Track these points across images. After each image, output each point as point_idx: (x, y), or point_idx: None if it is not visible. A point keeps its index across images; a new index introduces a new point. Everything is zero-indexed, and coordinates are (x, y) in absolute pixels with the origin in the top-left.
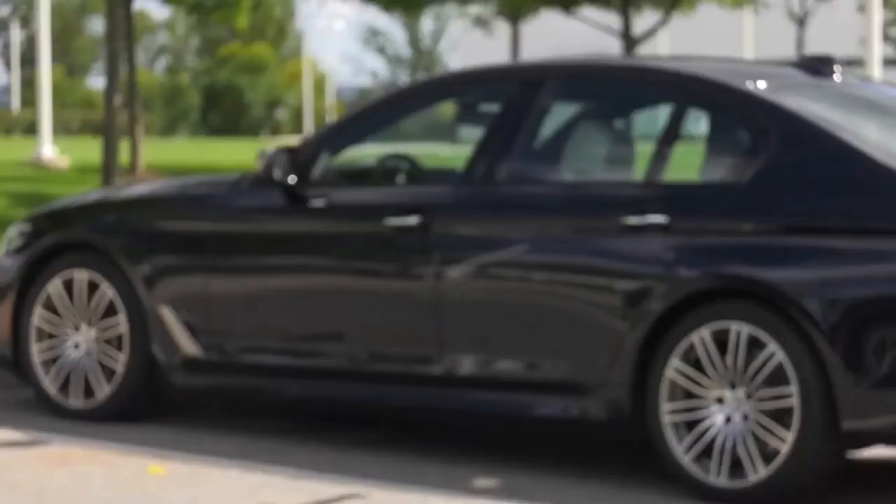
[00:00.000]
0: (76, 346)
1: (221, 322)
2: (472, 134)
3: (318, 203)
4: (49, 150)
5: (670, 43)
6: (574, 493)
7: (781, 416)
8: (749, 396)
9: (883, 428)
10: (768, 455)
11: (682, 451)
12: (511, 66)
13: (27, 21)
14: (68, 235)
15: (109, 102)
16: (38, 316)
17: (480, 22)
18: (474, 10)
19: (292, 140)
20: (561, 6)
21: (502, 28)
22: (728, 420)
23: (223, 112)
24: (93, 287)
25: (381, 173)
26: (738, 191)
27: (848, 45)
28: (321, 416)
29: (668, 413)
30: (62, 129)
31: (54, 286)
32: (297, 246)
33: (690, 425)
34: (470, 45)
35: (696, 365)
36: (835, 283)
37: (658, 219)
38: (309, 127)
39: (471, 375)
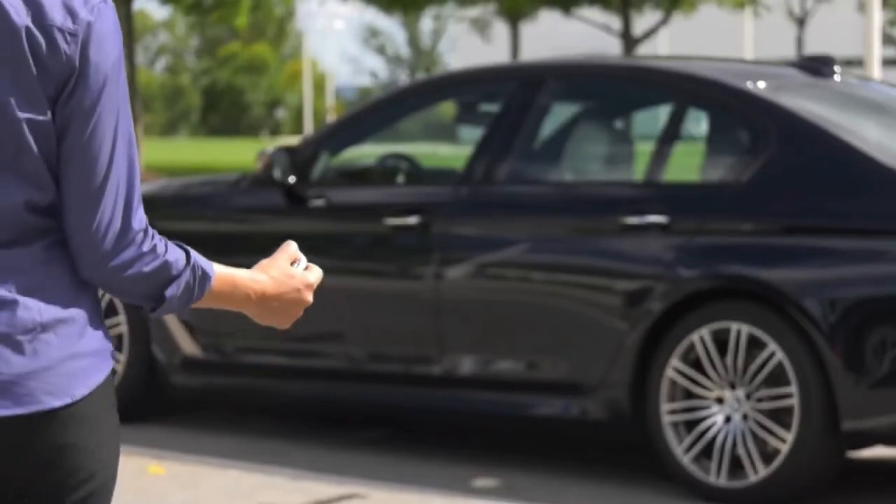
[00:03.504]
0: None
1: (221, 322)
2: (472, 134)
3: (317, 203)
4: None
5: (670, 43)
6: (574, 493)
7: (781, 416)
8: (749, 396)
9: (883, 428)
10: (768, 455)
11: (682, 451)
12: (511, 66)
13: None
14: None
15: None
16: None
17: (477, 24)
18: (473, 12)
19: (292, 140)
20: (560, 7)
21: (501, 29)
22: (728, 420)
23: (223, 112)
24: None
25: (381, 173)
26: (738, 191)
27: (848, 45)
28: (321, 416)
29: (668, 413)
30: None
31: None
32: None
33: (690, 425)
34: (469, 46)
35: (696, 365)
36: (835, 283)
37: (658, 219)
38: (309, 127)
39: (471, 375)
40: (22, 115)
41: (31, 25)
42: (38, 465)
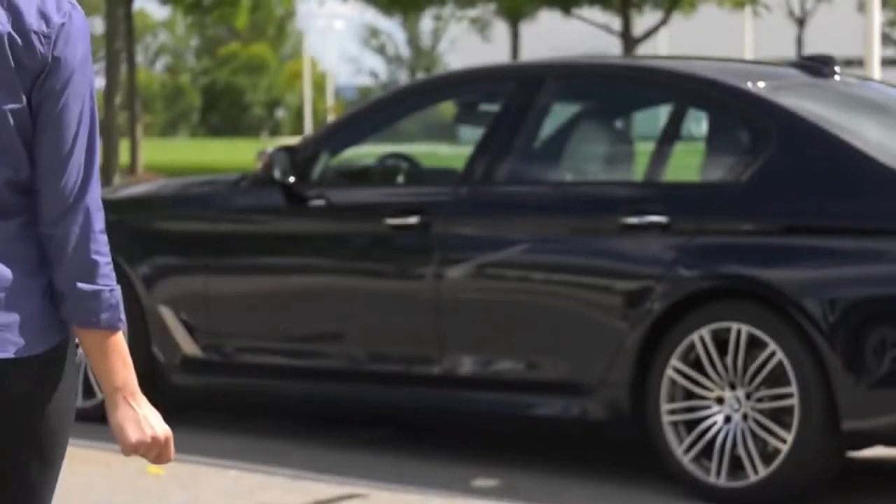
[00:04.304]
0: (76, 346)
1: (221, 322)
2: (472, 134)
3: (317, 203)
4: None
5: (670, 43)
6: (574, 493)
7: (781, 416)
8: (749, 396)
9: (883, 428)
10: (768, 455)
11: (682, 451)
12: (511, 66)
13: None
14: None
15: (109, 102)
16: None
17: (477, 24)
18: (473, 12)
19: (292, 140)
20: (560, 7)
21: (501, 29)
22: (728, 420)
23: (223, 112)
24: None
25: (381, 173)
26: (738, 191)
27: (848, 45)
28: (321, 416)
29: (668, 413)
30: None
31: None
32: (297, 246)
33: (690, 425)
34: (469, 46)
35: (696, 365)
36: (835, 283)
37: (658, 219)
38: (309, 127)
39: (471, 375)
40: (4, 106)
41: (12, 31)
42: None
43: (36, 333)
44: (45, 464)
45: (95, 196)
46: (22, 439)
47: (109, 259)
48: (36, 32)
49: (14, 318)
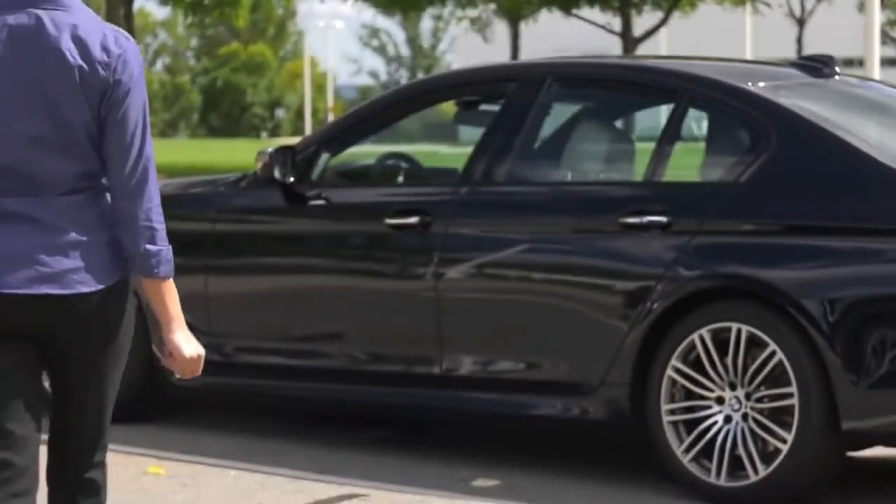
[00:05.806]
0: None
1: (221, 322)
2: (472, 134)
3: (317, 203)
4: None
5: (670, 43)
6: (574, 493)
7: (781, 416)
8: (749, 396)
9: (883, 428)
10: (768, 455)
11: (682, 451)
12: (511, 65)
13: None
14: None
15: None
16: None
17: (476, 23)
18: (473, 12)
19: (292, 140)
20: (560, 7)
21: (501, 29)
22: (728, 420)
23: (223, 112)
24: None
25: (381, 173)
26: (738, 191)
27: (848, 45)
28: (321, 416)
29: (668, 413)
30: None
31: None
32: (297, 246)
33: (690, 425)
34: (469, 46)
35: (696, 365)
36: (835, 283)
37: (658, 219)
38: (309, 127)
39: (470, 375)
40: (75, 119)
41: (81, 62)
42: (74, 329)
43: (96, 275)
44: (108, 376)
45: (153, 177)
46: (91, 355)
47: (164, 224)
48: (99, 62)
49: (80, 264)
